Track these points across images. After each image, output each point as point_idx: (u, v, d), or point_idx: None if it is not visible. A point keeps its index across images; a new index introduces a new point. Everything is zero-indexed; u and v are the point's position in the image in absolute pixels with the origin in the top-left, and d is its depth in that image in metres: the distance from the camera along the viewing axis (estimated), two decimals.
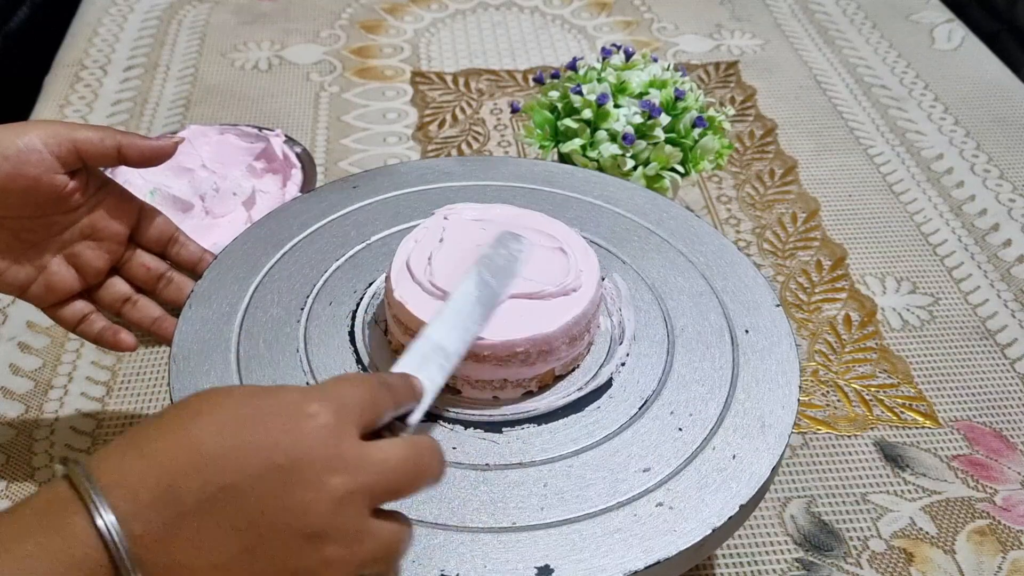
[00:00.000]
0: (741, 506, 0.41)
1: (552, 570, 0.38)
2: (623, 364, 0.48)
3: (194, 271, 0.52)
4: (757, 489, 0.41)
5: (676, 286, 0.52)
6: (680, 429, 0.44)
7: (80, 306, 0.50)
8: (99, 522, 0.28)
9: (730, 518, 0.40)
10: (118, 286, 0.51)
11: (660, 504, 0.41)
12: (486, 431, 0.44)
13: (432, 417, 0.44)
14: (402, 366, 0.38)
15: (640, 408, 0.45)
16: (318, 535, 0.30)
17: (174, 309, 0.51)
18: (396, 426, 0.35)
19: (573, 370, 0.47)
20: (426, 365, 0.39)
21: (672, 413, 0.45)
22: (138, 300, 0.51)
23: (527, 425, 0.44)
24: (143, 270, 0.51)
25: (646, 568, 0.38)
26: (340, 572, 0.31)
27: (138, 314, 0.51)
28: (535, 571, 0.38)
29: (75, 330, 0.50)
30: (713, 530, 0.40)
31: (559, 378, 0.47)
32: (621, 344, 0.49)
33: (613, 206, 0.57)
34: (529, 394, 0.46)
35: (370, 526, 0.32)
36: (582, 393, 0.46)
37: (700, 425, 0.44)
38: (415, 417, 0.36)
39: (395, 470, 0.32)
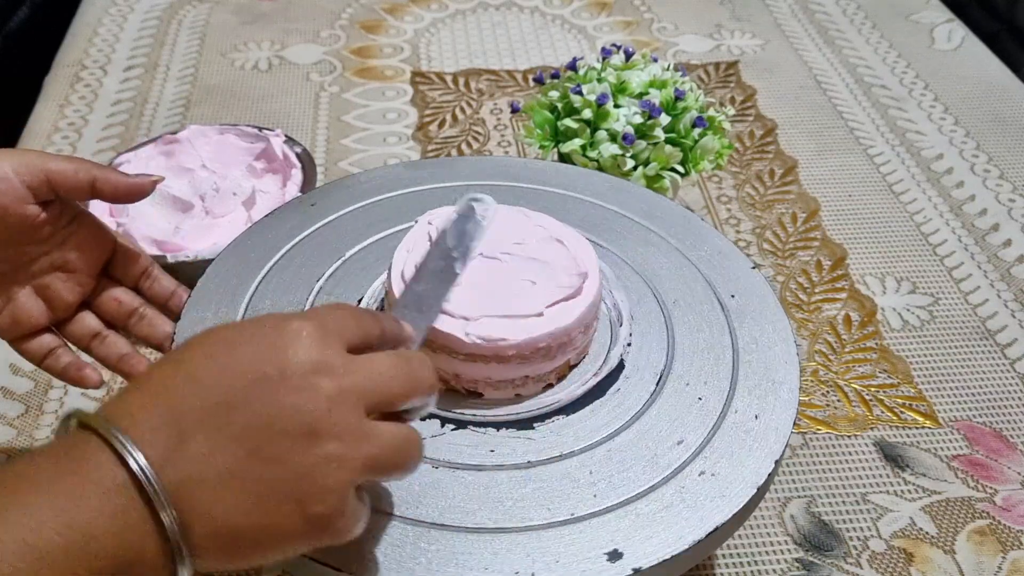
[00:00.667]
0: (776, 461, 0.42)
1: (621, 554, 0.38)
2: (629, 344, 0.48)
3: (166, 307, 0.51)
4: (785, 443, 0.43)
5: (657, 263, 0.53)
6: (700, 398, 0.45)
7: (47, 340, 0.48)
8: (116, 446, 0.30)
9: (769, 475, 0.41)
10: (87, 321, 0.49)
11: (703, 473, 0.42)
12: (519, 429, 0.44)
13: (460, 423, 0.44)
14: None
15: (657, 384, 0.46)
16: (315, 432, 0.31)
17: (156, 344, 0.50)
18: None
19: (583, 358, 0.48)
20: (411, 313, 0.40)
21: (688, 384, 0.46)
22: (107, 336, 0.50)
23: (556, 417, 0.45)
24: (114, 305, 0.49)
25: (707, 536, 0.39)
26: (345, 469, 0.32)
27: (106, 350, 0.50)
28: (605, 557, 0.38)
29: (41, 365, 0.49)
30: (757, 488, 0.41)
31: (573, 367, 0.47)
32: (622, 325, 0.49)
33: (578, 193, 0.58)
34: (548, 387, 0.46)
35: (368, 427, 0.33)
36: (599, 378, 0.47)
37: (717, 391, 0.46)
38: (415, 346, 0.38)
39: (384, 375, 0.33)
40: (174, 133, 0.73)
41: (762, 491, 0.42)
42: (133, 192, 0.47)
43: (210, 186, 0.68)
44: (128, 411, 0.31)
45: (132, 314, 0.50)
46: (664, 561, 0.38)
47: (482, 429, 0.44)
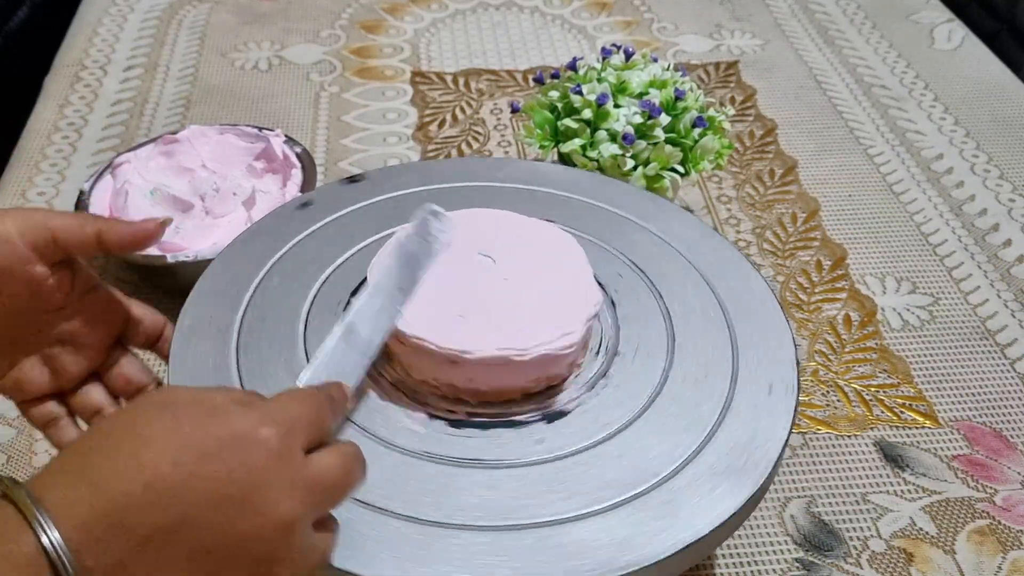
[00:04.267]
0: (775, 462, 0.42)
1: (610, 555, 0.39)
2: (625, 346, 0.49)
3: None
4: (784, 443, 0.43)
5: (656, 263, 0.53)
6: (698, 399, 0.45)
7: (51, 408, 0.46)
8: (46, 543, 0.28)
9: (769, 475, 0.42)
10: (93, 395, 0.47)
11: (701, 473, 0.42)
12: (516, 428, 0.45)
13: (457, 422, 0.45)
14: (326, 360, 0.41)
15: (656, 385, 0.46)
16: (269, 558, 0.32)
17: None
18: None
19: (581, 359, 0.48)
20: (350, 361, 0.41)
21: (687, 385, 0.46)
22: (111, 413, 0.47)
23: (550, 420, 0.45)
24: (122, 381, 0.48)
25: (709, 533, 0.40)
26: None
27: None
28: (593, 559, 0.39)
29: (44, 432, 0.47)
30: (756, 489, 0.41)
31: (571, 371, 0.48)
32: (620, 327, 0.50)
33: (577, 194, 0.58)
34: (547, 389, 0.47)
35: (314, 541, 0.34)
36: (597, 379, 0.47)
37: (716, 392, 0.46)
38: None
39: (334, 486, 0.34)
40: (174, 133, 0.73)
41: (761, 492, 0.42)
42: (140, 239, 0.44)
43: (210, 186, 0.68)
44: (74, 511, 0.29)
45: (140, 391, 0.48)
46: (663, 560, 0.39)
47: (483, 428, 0.44)
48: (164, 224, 0.45)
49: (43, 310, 0.44)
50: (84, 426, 0.48)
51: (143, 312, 0.49)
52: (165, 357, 0.48)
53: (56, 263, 0.43)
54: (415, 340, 0.44)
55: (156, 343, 0.49)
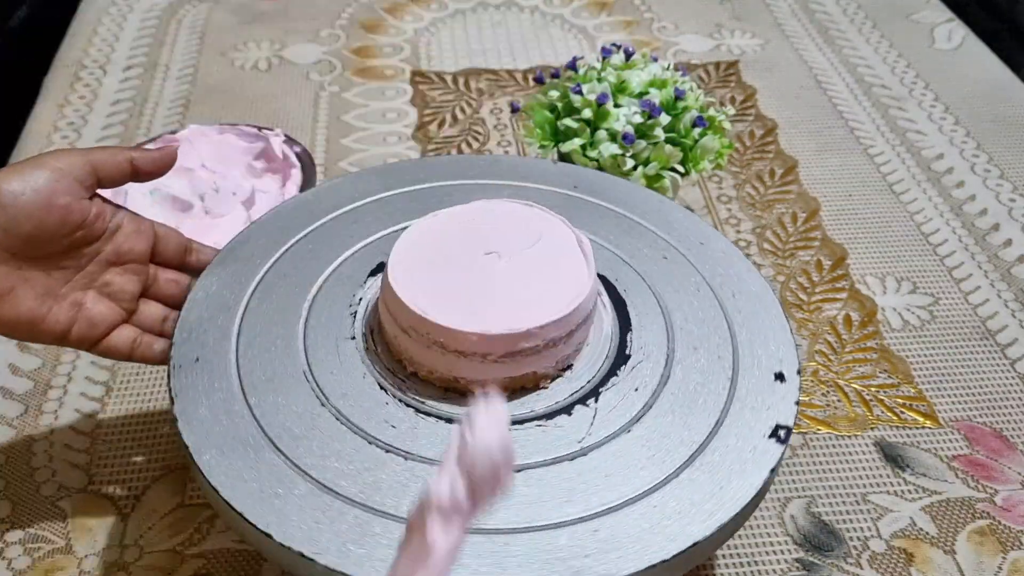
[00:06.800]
0: (775, 462, 0.42)
1: (613, 558, 0.39)
2: (627, 346, 0.49)
3: None
4: (785, 444, 0.43)
5: (656, 263, 0.53)
6: (698, 399, 0.45)
7: (127, 332, 0.50)
8: None
9: (768, 476, 0.42)
10: (152, 309, 0.51)
11: (700, 476, 0.42)
12: (520, 427, 0.45)
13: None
14: None
15: (656, 386, 0.46)
16: None
17: None
18: None
19: (575, 358, 0.48)
20: None
21: (686, 386, 0.46)
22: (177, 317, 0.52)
23: (549, 420, 0.45)
24: (173, 286, 0.52)
25: (705, 538, 0.40)
26: None
27: None
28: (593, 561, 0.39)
29: (132, 357, 0.50)
30: (756, 491, 0.41)
31: (564, 370, 0.48)
32: (619, 324, 0.50)
33: (578, 193, 0.58)
34: (539, 389, 0.46)
35: None
36: (593, 383, 0.47)
37: (716, 392, 0.46)
38: None
39: None
40: (173, 133, 0.73)
41: (761, 494, 0.42)
42: (166, 162, 0.49)
43: (209, 186, 0.68)
44: None
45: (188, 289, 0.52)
46: (660, 563, 0.38)
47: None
48: (176, 147, 0.51)
49: (90, 240, 0.47)
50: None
51: (163, 227, 0.52)
52: (196, 272, 0.52)
53: (93, 196, 0.47)
54: (410, 314, 0.44)
55: (184, 255, 0.52)
